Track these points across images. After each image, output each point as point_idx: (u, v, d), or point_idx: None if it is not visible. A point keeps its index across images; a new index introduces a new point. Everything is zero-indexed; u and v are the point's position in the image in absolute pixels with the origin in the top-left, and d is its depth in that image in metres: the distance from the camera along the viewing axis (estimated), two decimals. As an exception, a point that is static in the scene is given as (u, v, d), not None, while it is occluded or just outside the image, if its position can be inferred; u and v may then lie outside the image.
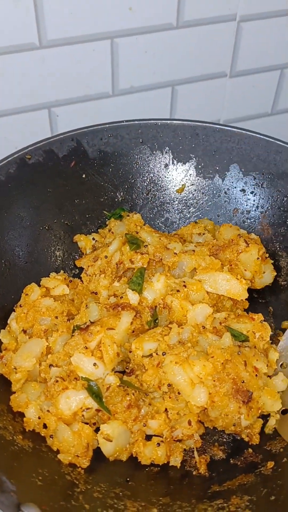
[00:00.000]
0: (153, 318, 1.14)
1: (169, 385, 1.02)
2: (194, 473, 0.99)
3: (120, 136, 1.35)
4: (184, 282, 1.15)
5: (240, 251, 1.22)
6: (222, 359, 1.01)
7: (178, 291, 1.13)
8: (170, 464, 1.00)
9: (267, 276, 1.27)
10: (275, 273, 1.28)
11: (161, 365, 1.03)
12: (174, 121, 1.37)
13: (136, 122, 1.36)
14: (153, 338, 1.07)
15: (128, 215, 1.35)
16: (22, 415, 1.00)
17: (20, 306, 1.13)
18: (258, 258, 1.22)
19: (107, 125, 1.34)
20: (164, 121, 1.36)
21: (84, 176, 1.34)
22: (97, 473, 0.95)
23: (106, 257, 1.23)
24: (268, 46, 1.69)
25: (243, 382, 1.00)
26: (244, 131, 1.33)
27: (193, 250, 1.23)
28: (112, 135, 1.35)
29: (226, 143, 1.35)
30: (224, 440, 1.06)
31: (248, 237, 1.26)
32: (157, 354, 1.05)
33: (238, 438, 1.05)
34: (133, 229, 1.30)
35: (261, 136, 1.31)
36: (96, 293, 1.21)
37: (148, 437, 1.01)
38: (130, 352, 1.08)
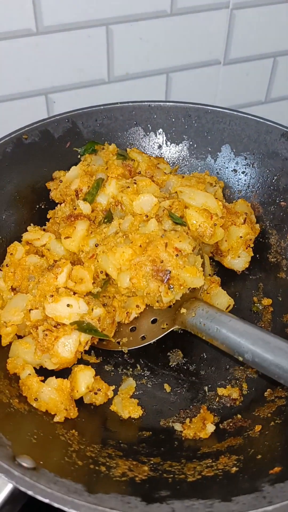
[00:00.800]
0: (104, 218, 1.20)
1: (102, 272, 1.13)
2: (183, 437, 1.02)
3: (114, 117, 1.39)
4: (134, 180, 1.22)
5: (233, 223, 1.25)
6: (140, 242, 1.10)
7: (128, 187, 1.20)
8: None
9: (238, 262, 1.30)
10: (246, 266, 1.31)
11: (95, 257, 1.13)
12: (167, 103, 1.40)
13: (130, 104, 1.39)
14: (98, 234, 1.17)
15: (103, 148, 1.36)
16: (18, 380, 1.03)
17: (7, 265, 1.16)
18: (241, 237, 1.25)
19: (102, 107, 1.37)
20: (157, 103, 1.39)
21: (79, 156, 1.37)
22: (90, 436, 0.98)
23: (61, 181, 1.28)
24: (262, 34, 1.72)
25: (162, 262, 1.09)
26: (235, 112, 1.36)
27: (183, 176, 1.29)
28: (107, 117, 1.38)
29: (218, 124, 1.38)
30: (214, 407, 1.08)
31: (251, 221, 1.29)
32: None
33: (228, 405, 1.08)
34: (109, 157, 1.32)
35: (252, 117, 1.35)
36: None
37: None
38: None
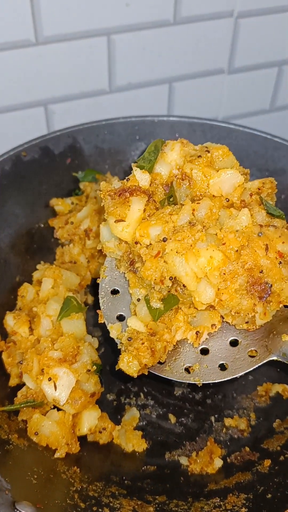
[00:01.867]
0: (167, 196, 0.92)
1: (171, 278, 0.84)
2: (189, 472, 0.98)
3: (117, 132, 1.35)
4: (206, 147, 0.92)
5: None
6: (236, 246, 0.81)
7: (199, 156, 0.90)
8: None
9: None
10: None
11: (161, 255, 0.83)
12: (171, 118, 1.36)
13: (133, 119, 1.35)
14: (161, 220, 0.85)
15: (105, 179, 1.32)
16: (16, 413, 0.99)
17: (20, 309, 1.12)
18: None
19: (104, 122, 1.34)
20: (161, 118, 1.36)
21: (80, 173, 1.33)
22: (93, 472, 0.94)
23: (72, 223, 1.22)
24: (266, 43, 1.68)
25: (261, 272, 0.81)
26: (241, 128, 1.32)
27: None
28: (109, 132, 1.34)
29: (223, 140, 1.34)
30: (221, 438, 1.05)
31: None
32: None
33: (235, 437, 1.04)
34: None
35: (259, 133, 1.31)
36: (75, 262, 1.21)
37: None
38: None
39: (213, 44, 1.62)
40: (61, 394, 0.97)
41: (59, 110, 1.56)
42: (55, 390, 0.97)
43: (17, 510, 0.75)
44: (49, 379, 0.97)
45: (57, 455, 0.94)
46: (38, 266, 1.20)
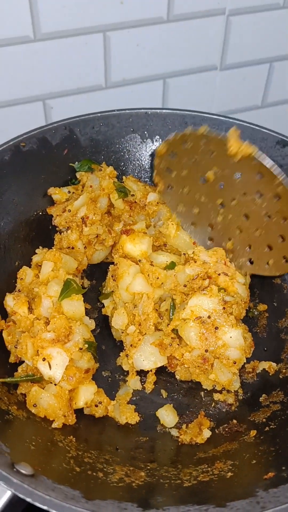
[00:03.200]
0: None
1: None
2: (180, 442, 1.04)
3: (111, 124, 1.40)
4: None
5: None
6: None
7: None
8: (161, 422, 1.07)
9: None
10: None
11: None
12: (164, 110, 1.41)
13: (127, 111, 1.40)
14: None
15: (100, 169, 1.37)
16: (16, 388, 1.05)
17: (19, 291, 1.17)
18: None
19: (99, 114, 1.38)
20: (154, 110, 1.40)
21: (77, 163, 1.38)
22: (88, 442, 0.99)
23: (69, 211, 1.28)
24: (258, 40, 1.73)
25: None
26: (231, 119, 1.37)
27: None
28: (104, 124, 1.39)
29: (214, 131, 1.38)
30: (210, 412, 1.10)
31: None
32: None
33: (224, 410, 1.10)
34: (108, 184, 1.33)
35: (247, 124, 1.36)
36: (72, 248, 1.27)
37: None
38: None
39: (206, 41, 1.66)
40: (56, 372, 1.02)
41: (57, 105, 1.60)
42: (50, 369, 1.02)
43: (16, 469, 0.79)
44: (44, 359, 1.02)
45: (54, 425, 0.99)
46: (37, 251, 1.25)
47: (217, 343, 1.06)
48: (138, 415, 1.08)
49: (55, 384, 1.03)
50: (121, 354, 1.16)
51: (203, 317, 1.07)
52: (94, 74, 1.59)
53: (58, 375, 1.02)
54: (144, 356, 1.10)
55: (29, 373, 1.06)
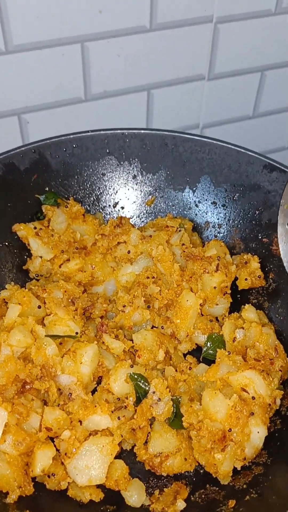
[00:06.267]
0: None
1: None
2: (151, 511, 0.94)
3: (85, 146, 1.29)
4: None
5: (206, 270, 1.16)
6: None
7: None
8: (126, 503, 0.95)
9: (217, 309, 1.19)
10: (226, 313, 1.20)
11: None
12: (142, 131, 1.30)
13: (102, 132, 1.30)
14: None
15: (67, 206, 1.28)
16: None
17: None
18: (214, 287, 1.15)
19: (71, 136, 1.28)
20: (131, 131, 1.30)
21: (47, 189, 1.28)
22: (47, 515, 0.90)
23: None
24: (248, 48, 1.63)
25: None
26: (214, 141, 1.27)
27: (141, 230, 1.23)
28: (77, 146, 1.29)
29: (196, 153, 1.28)
30: (186, 473, 1.00)
31: (225, 265, 1.19)
32: None
33: (201, 471, 1.00)
34: (74, 222, 1.25)
35: (233, 147, 1.25)
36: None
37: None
38: None
39: (192, 50, 1.57)
40: None
41: (33, 119, 1.51)
42: None
43: None
44: None
45: (9, 500, 0.89)
46: (7, 286, 1.16)
47: (243, 430, 0.95)
48: (102, 492, 0.96)
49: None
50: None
51: (247, 395, 0.97)
52: (72, 87, 1.50)
53: None
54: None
55: None
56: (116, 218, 1.29)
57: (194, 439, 0.96)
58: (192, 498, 0.95)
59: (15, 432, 0.91)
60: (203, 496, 0.95)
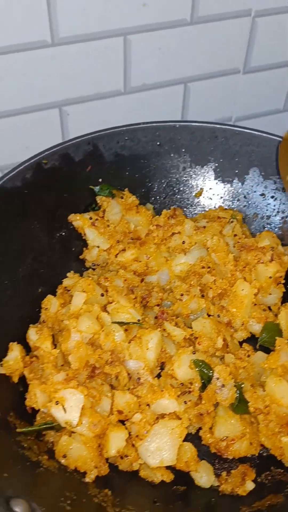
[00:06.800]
0: None
1: None
2: (220, 492, 0.97)
3: (137, 139, 1.32)
4: None
5: (261, 261, 1.18)
6: None
7: None
8: (196, 484, 0.98)
9: (271, 299, 1.20)
10: (279, 303, 1.22)
11: None
12: (193, 123, 1.33)
13: (154, 124, 1.32)
14: None
15: (122, 196, 1.30)
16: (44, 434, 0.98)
17: (43, 321, 1.10)
18: (270, 277, 1.18)
19: (124, 128, 1.30)
20: (182, 123, 1.33)
21: (100, 180, 1.30)
22: (124, 495, 0.93)
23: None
24: (283, 42, 1.65)
25: None
26: (265, 134, 1.30)
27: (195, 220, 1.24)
28: (129, 138, 1.31)
29: (246, 146, 1.31)
30: (250, 456, 1.03)
31: (279, 254, 1.21)
32: None
33: (264, 454, 1.03)
34: (128, 213, 1.27)
35: (281, 139, 1.28)
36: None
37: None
38: None
39: (230, 43, 1.59)
40: (70, 415, 0.94)
41: (74, 112, 1.52)
42: (65, 412, 0.94)
43: None
44: (57, 403, 0.94)
45: (87, 479, 0.92)
46: (68, 274, 1.19)
47: None
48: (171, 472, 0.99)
49: (73, 432, 0.95)
50: None
51: None
52: (113, 79, 1.51)
53: (74, 417, 0.94)
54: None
55: (48, 421, 0.98)
56: (170, 209, 1.30)
57: (262, 423, 0.99)
58: (259, 480, 0.98)
59: (90, 415, 0.94)
60: (269, 477, 0.98)
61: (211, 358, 1.07)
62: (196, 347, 1.08)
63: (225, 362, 1.08)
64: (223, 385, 1.02)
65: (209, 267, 1.17)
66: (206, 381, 1.03)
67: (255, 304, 1.19)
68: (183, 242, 1.22)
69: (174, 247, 1.24)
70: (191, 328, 1.11)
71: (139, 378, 1.02)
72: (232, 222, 1.25)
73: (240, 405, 1.02)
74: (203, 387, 1.02)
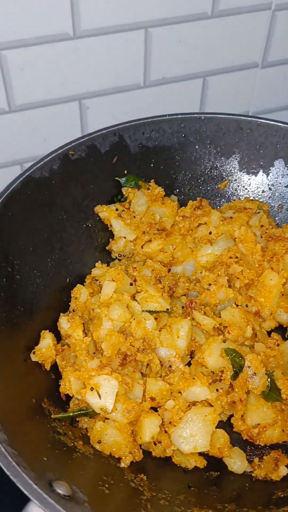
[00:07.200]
0: None
1: None
2: (254, 478, 0.97)
3: (163, 130, 1.32)
4: None
5: (287, 250, 1.19)
6: None
7: None
8: (229, 469, 0.99)
9: None
10: None
11: None
12: (218, 115, 1.33)
13: (179, 116, 1.33)
14: None
15: (148, 188, 1.31)
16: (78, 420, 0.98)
17: (73, 311, 1.10)
18: None
19: (149, 120, 1.31)
20: (207, 115, 1.33)
21: (126, 171, 1.31)
22: (159, 480, 0.93)
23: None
24: (302, 36, 1.65)
25: None
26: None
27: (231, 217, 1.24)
28: (154, 130, 1.32)
29: (271, 138, 1.32)
30: (281, 443, 1.03)
31: None
32: None
33: (296, 441, 1.04)
34: (153, 204, 1.28)
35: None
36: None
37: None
38: None
39: (249, 37, 1.59)
40: (106, 401, 0.95)
41: (93, 105, 1.53)
42: (100, 398, 0.95)
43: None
44: (92, 389, 0.95)
45: (122, 465, 0.93)
46: (97, 264, 1.20)
47: None
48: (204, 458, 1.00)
49: (107, 418, 0.96)
50: None
51: None
52: (133, 73, 1.52)
53: (109, 403, 0.95)
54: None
55: (82, 407, 0.99)
56: (196, 200, 1.31)
57: None
58: (292, 464, 0.99)
59: (124, 401, 0.95)
60: (303, 462, 0.99)
61: (241, 347, 1.08)
62: (226, 336, 1.08)
63: (255, 351, 1.09)
64: (254, 373, 1.03)
65: (236, 257, 1.17)
66: (238, 369, 1.03)
67: (283, 294, 1.19)
68: (210, 233, 1.23)
69: (200, 237, 1.24)
70: (219, 317, 1.11)
71: (170, 366, 1.02)
72: (258, 213, 1.25)
73: (271, 393, 1.03)
74: (235, 375, 1.03)
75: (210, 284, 1.15)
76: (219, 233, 1.22)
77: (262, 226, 1.24)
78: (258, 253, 1.19)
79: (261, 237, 1.23)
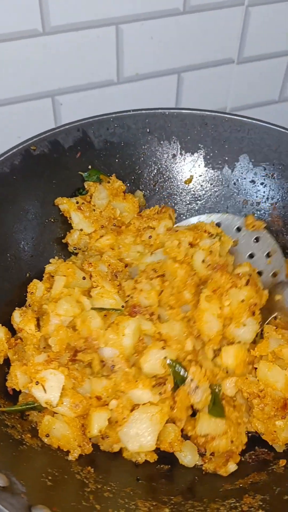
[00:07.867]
0: None
1: None
2: (204, 471, 0.98)
3: (127, 126, 1.32)
4: None
5: (234, 284, 1.12)
6: None
7: None
8: (180, 463, 0.99)
9: (243, 332, 1.09)
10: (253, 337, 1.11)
11: None
12: (183, 111, 1.33)
13: (144, 111, 1.32)
14: None
15: (109, 181, 1.31)
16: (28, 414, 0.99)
17: (29, 305, 1.11)
18: (242, 301, 1.09)
19: (114, 115, 1.31)
20: (172, 111, 1.33)
21: (90, 167, 1.31)
22: (107, 473, 0.94)
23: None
24: (277, 32, 1.65)
25: None
26: (255, 121, 1.30)
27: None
28: (119, 125, 1.32)
29: (236, 133, 1.31)
30: (234, 436, 1.04)
31: (257, 284, 1.15)
32: None
33: (249, 435, 1.03)
34: (115, 199, 1.28)
35: (273, 126, 1.28)
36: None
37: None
38: None
39: (223, 33, 1.59)
40: (51, 395, 0.94)
41: (67, 102, 1.54)
42: (45, 393, 0.95)
43: (34, 514, 0.74)
44: (37, 383, 0.95)
45: (70, 458, 0.93)
46: (51, 260, 1.20)
47: None
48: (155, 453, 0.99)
49: (55, 412, 0.96)
50: None
51: None
52: (106, 69, 1.52)
53: (54, 397, 0.94)
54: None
55: (29, 401, 0.99)
56: (161, 206, 1.32)
57: (256, 408, 0.99)
58: (243, 459, 0.99)
59: (72, 395, 0.95)
60: (253, 456, 0.99)
61: (186, 360, 1.04)
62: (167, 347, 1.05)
63: (199, 363, 1.05)
64: (197, 387, 1.00)
65: (156, 271, 1.14)
66: (178, 381, 1.01)
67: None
68: (150, 237, 1.22)
69: (147, 242, 1.24)
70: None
71: (113, 366, 1.01)
72: (214, 238, 1.21)
73: (214, 408, 1.01)
74: (175, 387, 1.01)
75: (128, 296, 1.12)
76: (157, 241, 1.22)
77: (211, 252, 1.18)
78: (180, 276, 1.13)
79: (208, 264, 1.17)
